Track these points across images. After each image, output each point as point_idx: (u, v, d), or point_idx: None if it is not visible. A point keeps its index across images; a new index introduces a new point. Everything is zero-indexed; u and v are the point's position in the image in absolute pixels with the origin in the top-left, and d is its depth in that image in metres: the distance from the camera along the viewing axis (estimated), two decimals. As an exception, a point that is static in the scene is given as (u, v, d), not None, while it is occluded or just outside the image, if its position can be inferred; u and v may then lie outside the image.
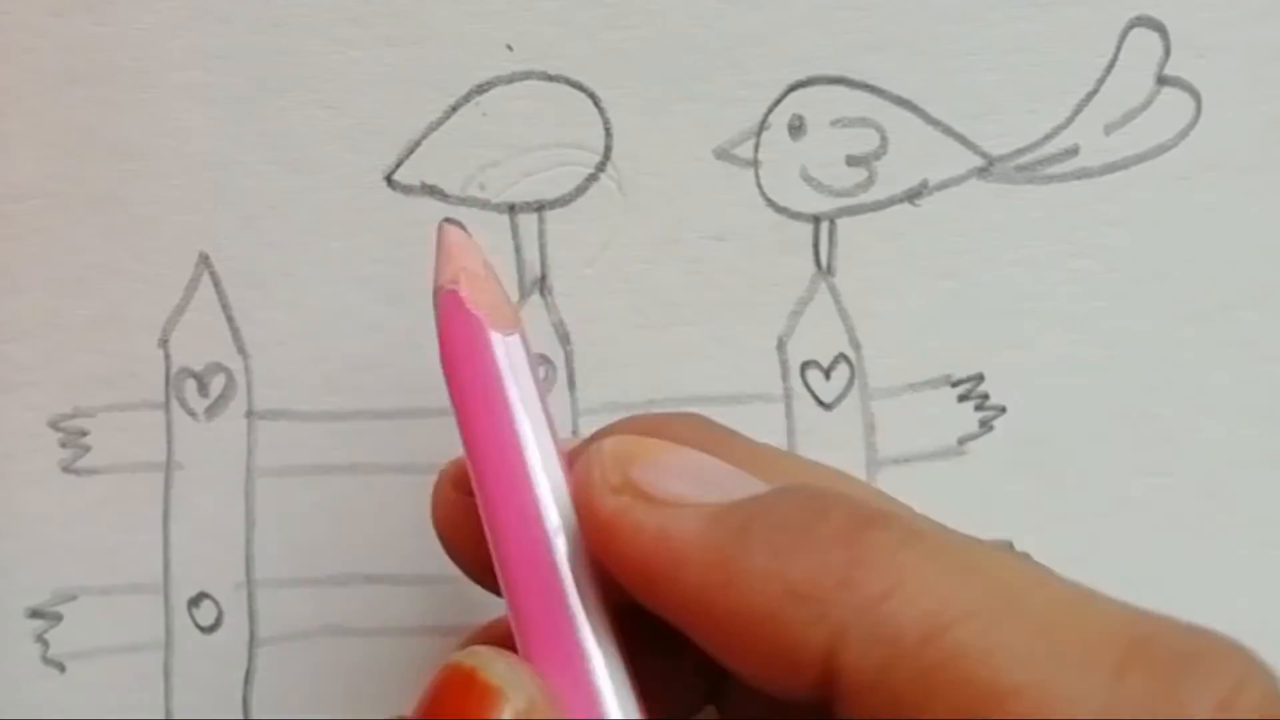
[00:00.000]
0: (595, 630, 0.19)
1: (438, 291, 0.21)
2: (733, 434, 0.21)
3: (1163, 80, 0.27)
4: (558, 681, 0.18)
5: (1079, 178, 0.27)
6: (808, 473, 0.21)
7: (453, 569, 0.26)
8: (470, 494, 0.21)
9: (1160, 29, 0.27)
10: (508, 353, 0.21)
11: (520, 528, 0.19)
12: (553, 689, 0.18)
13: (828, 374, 0.27)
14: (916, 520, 0.17)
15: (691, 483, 0.18)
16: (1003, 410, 0.28)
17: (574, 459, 0.20)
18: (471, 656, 0.18)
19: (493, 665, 0.18)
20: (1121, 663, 0.16)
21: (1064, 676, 0.15)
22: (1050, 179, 0.27)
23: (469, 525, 0.21)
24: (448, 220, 0.24)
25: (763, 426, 0.27)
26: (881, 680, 0.16)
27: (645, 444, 0.19)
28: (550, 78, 0.26)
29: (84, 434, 0.27)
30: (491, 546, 0.20)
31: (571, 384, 0.27)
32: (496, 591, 0.21)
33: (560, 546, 0.19)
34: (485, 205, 0.26)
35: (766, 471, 0.19)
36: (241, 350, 0.27)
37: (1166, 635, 0.16)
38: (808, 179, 0.27)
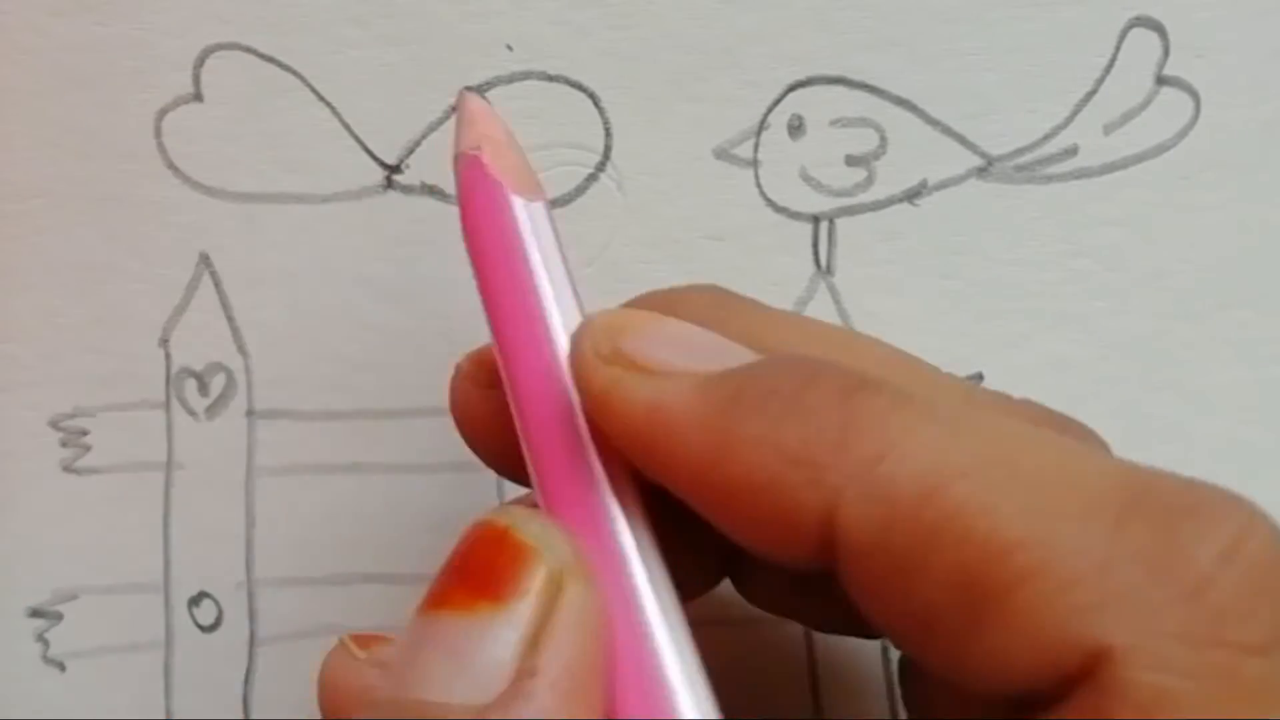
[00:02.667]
0: (619, 492, 0.18)
1: (459, 158, 0.21)
2: (751, 302, 0.21)
3: (1162, 80, 0.27)
4: (584, 544, 0.18)
5: (1078, 178, 0.27)
6: (823, 336, 0.20)
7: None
8: (487, 387, 0.20)
9: (1159, 29, 0.27)
10: (531, 218, 0.20)
11: (543, 391, 0.19)
12: (582, 550, 0.18)
13: (827, 374, 0.27)
14: (909, 385, 0.17)
15: (681, 351, 0.18)
16: (1002, 410, 0.28)
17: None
18: (504, 515, 0.18)
19: (527, 525, 0.18)
20: (1122, 514, 0.15)
21: (1064, 529, 0.15)
22: (1049, 179, 0.27)
23: (487, 417, 0.21)
24: (468, 89, 0.23)
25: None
26: (881, 540, 0.16)
27: (635, 315, 0.19)
28: (550, 78, 0.26)
29: (84, 434, 0.27)
30: (514, 413, 0.19)
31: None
32: (516, 479, 0.21)
33: (581, 410, 0.19)
34: (485, 205, 0.26)
35: (782, 336, 0.19)
36: (241, 350, 0.27)
37: (1167, 487, 0.16)
38: (807, 179, 0.27)
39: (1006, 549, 0.15)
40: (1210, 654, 0.15)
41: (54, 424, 0.27)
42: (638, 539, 0.18)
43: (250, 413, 0.27)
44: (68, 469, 0.27)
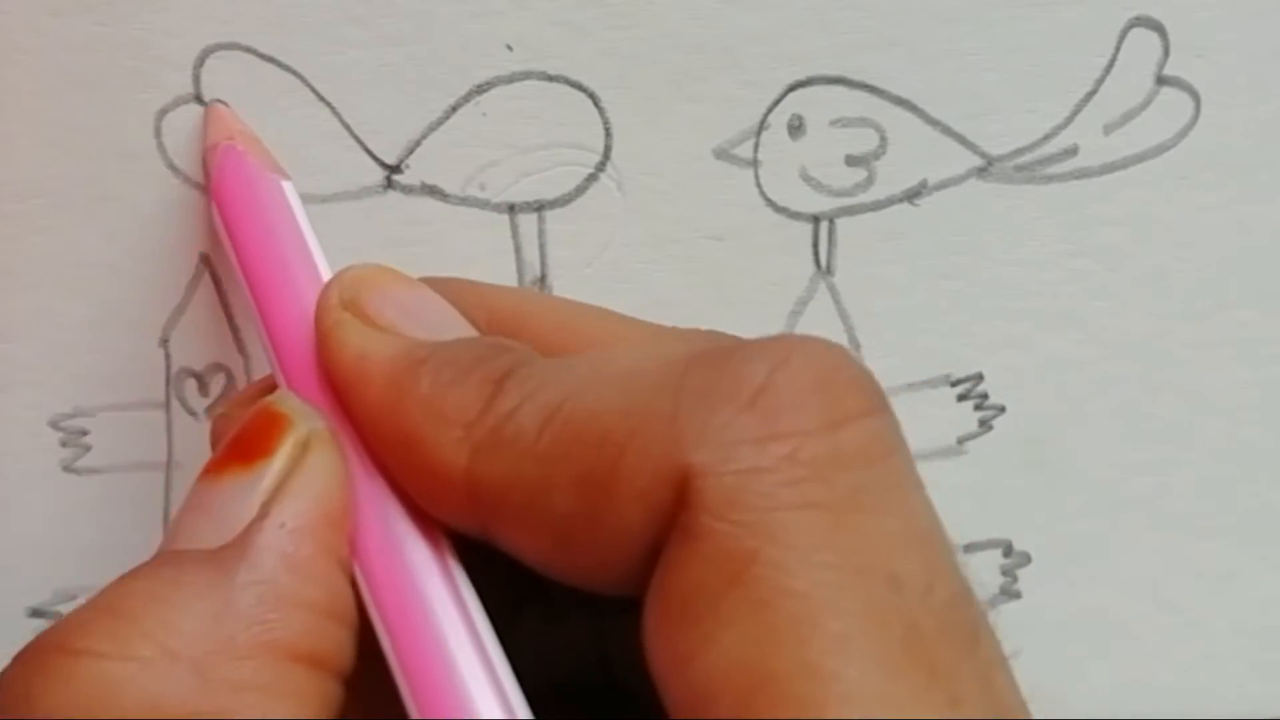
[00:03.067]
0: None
1: (213, 149, 0.24)
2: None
3: (1162, 80, 0.27)
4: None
5: (1078, 177, 0.27)
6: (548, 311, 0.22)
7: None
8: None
9: (1159, 29, 0.27)
10: (286, 193, 0.23)
11: (298, 337, 0.21)
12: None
13: (827, 374, 0.27)
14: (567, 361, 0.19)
15: (406, 317, 0.20)
16: (1002, 410, 0.28)
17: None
18: (272, 399, 0.20)
19: (286, 399, 0.20)
20: (688, 366, 0.17)
21: (645, 396, 0.17)
22: (1049, 179, 0.27)
23: None
24: (216, 101, 0.25)
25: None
26: (513, 479, 0.18)
27: (384, 275, 0.21)
28: (550, 78, 0.26)
29: (84, 434, 0.27)
30: (273, 361, 0.21)
31: (571, 384, 0.27)
32: None
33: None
34: (485, 205, 0.26)
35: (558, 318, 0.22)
36: (242, 350, 0.27)
37: (728, 340, 0.19)
38: (807, 179, 0.27)
39: (605, 432, 0.17)
40: (771, 447, 0.16)
41: (54, 424, 0.27)
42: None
43: (250, 413, 0.27)
44: (68, 469, 0.27)
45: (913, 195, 0.27)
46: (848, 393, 0.17)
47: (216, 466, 0.19)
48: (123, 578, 0.18)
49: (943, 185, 0.27)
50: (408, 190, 0.26)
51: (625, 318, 0.22)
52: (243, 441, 0.19)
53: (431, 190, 0.26)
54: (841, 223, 0.27)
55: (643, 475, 0.17)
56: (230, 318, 0.26)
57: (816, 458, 0.16)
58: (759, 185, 0.27)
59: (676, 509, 0.16)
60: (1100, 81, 0.27)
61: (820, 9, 0.26)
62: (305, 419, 0.19)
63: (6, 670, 0.17)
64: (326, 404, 0.20)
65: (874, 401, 0.17)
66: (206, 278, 0.26)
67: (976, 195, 0.27)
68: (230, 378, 0.27)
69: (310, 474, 0.19)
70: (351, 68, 0.26)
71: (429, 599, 0.18)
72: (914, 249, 0.27)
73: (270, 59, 0.26)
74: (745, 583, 0.16)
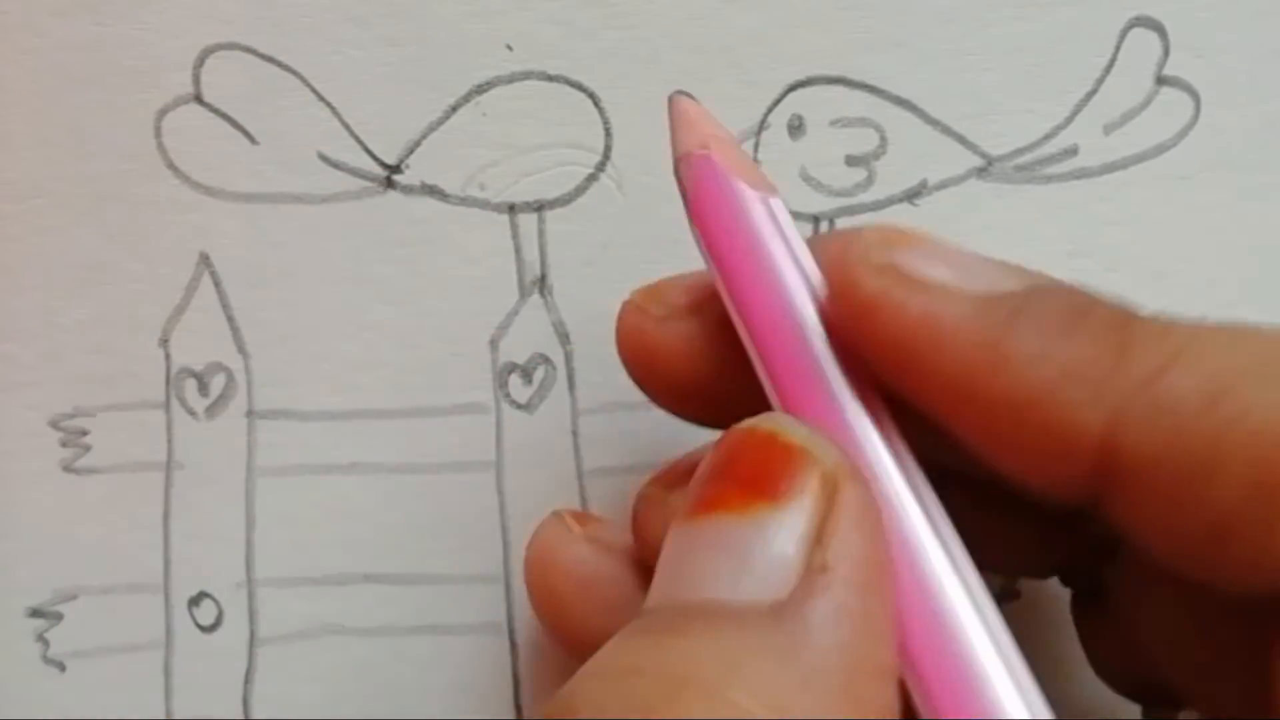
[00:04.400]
0: (870, 409, 0.18)
1: (685, 158, 0.21)
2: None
3: (1162, 80, 0.27)
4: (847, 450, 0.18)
5: (1078, 177, 0.27)
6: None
7: (453, 568, 0.27)
8: (663, 320, 0.21)
9: (1159, 29, 0.27)
10: (773, 213, 0.20)
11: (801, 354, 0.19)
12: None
13: (827, 374, 0.27)
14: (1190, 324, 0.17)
15: (957, 271, 0.18)
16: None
17: (829, 246, 0.19)
18: (767, 421, 0.18)
19: (794, 429, 0.18)
20: None
21: None
22: (1049, 179, 0.27)
23: (661, 348, 0.21)
24: (678, 92, 0.23)
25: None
26: (1166, 453, 0.16)
27: (908, 232, 0.19)
28: (550, 78, 0.26)
29: (84, 433, 0.27)
30: (755, 355, 0.19)
31: (571, 384, 0.27)
32: (683, 414, 0.21)
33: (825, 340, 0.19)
34: (485, 205, 0.26)
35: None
36: (241, 350, 0.27)
37: None
38: (807, 179, 0.27)
39: None
40: None
41: (54, 424, 0.27)
42: (891, 446, 0.18)
43: (250, 413, 0.27)
44: (68, 469, 0.27)
45: (913, 195, 0.27)
46: None
47: (729, 502, 0.17)
48: (676, 634, 0.16)
49: (943, 185, 0.27)
50: (408, 190, 0.26)
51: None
52: (758, 474, 0.17)
53: (431, 190, 0.26)
54: (842, 222, 0.27)
55: None
56: (230, 318, 0.27)
57: None
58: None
59: None
60: (1100, 81, 0.27)
61: (820, 9, 0.26)
62: (823, 450, 0.17)
63: None
64: (863, 392, 0.18)
65: None
66: (206, 278, 0.26)
67: (976, 195, 0.27)
68: (230, 378, 0.27)
69: (853, 517, 0.17)
70: (351, 68, 0.26)
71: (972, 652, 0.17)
72: (914, 249, 0.27)
73: (270, 59, 0.26)
74: None
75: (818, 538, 0.16)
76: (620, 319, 0.22)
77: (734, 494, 0.17)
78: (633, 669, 0.16)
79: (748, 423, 0.18)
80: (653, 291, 0.22)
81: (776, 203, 0.20)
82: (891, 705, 0.16)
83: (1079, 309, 0.17)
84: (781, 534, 0.16)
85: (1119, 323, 0.17)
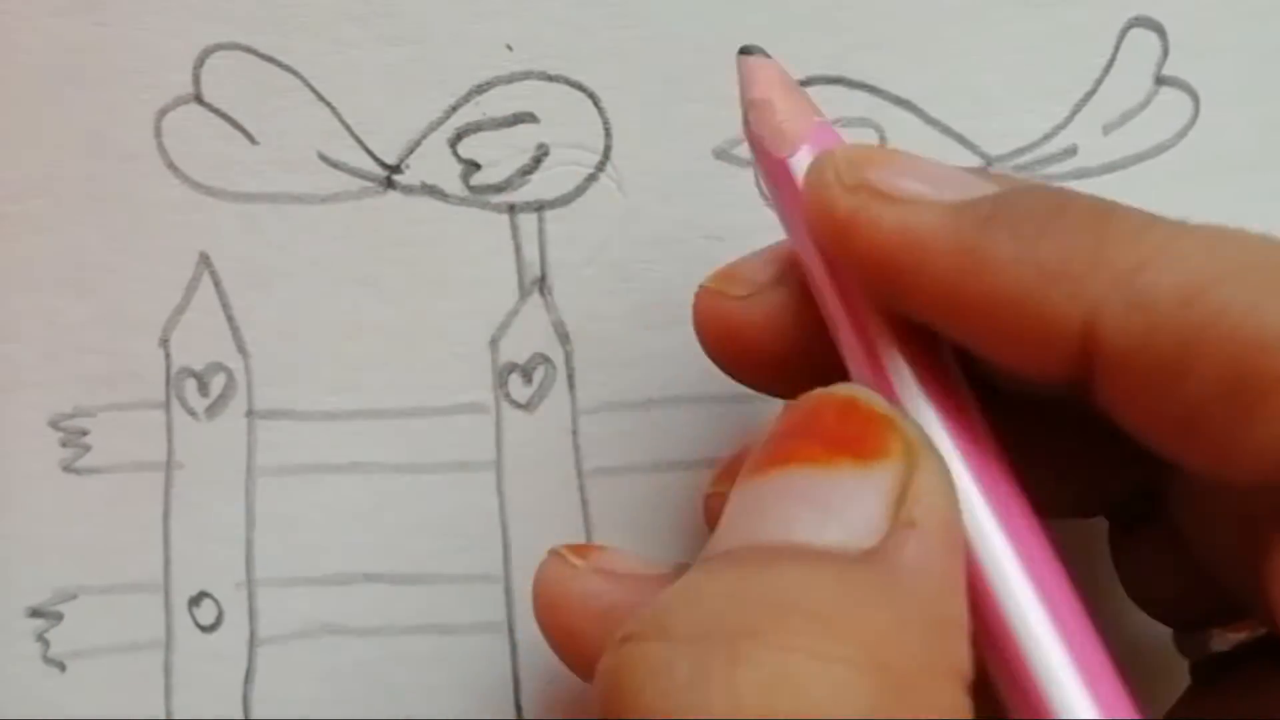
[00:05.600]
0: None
1: (754, 140, 0.21)
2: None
3: (1161, 80, 0.27)
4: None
5: (1077, 177, 0.27)
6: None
7: (453, 568, 0.27)
8: (739, 298, 0.21)
9: (1158, 29, 0.27)
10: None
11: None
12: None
13: (827, 374, 0.27)
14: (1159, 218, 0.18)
15: (928, 182, 0.19)
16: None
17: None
18: (846, 389, 0.18)
19: (874, 397, 0.18)
20: None
21: None
22: (1049, 179, 0.27)
23: (738, 326, 0.22)
24: (745, 48, 0.23)
25: (759, 426, 0.27)
26: (1143, 346, 0.16)
27: (876, 149, 0.20)
28: (550, 78, 0.26)
29: (84, 433, 0.27)
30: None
31: (571, 384, 0.27)
32: (757, 386, 0.22)
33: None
34: (485, 205, 0.26)
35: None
36: (241, 350, 0.27)
37: None
38: (807, 179, 0.27)
39: (1273, 344, 0.16)
40: None
41: (54, 424, 0.27)
42: (962, 436, 0.18)
43: (250, 413, 0.27)
44: (68, 469, 0.27)
45: (912, 195, 0.27)
46: None
47: (812, 455, 0.17)
48: (775, 572, 0.16)
49: (942, 185, 0.27)
50: (408, 190, 0.26)
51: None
52: (847, 436, 0.17)
53: (431, 190, 0.26)
54: (841, 223, 0.27)
55: None
56: (230, 318, 0.27)
57: None
58: (759, 185, 0.27)
59: None
60: (1099, 82, 0.27)
61: (820, 9, 0.26)
62: (907, 421, 0.18)
63: (672, 651, 0.16)
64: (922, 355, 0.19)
65: None
66: (206, 278, 0.26)
67: (976, 195, 0.27)
68: (230, 378, 0.27)
69: (935, 479, 0.17)
70: (351, 68, 0.26)
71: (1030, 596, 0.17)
72: (914, 249, 0.27)
73: (270, 59, 0.26)
74: None
75: (902, 499, 0.17)
76: (697, 306, 0.22)
77: (815, 449, 0.17)
78: (729, 594, 0.16)
79: (822, 390, 0.18)
80: (729, 274, 0.22)
81: (803, 155, 0.20)
82: (967, 661, 0.16)
83: (1055, 208, 0.18)
84: (867, 488, 0.17)
85: (1096, 218, 0.17)
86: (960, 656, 0.16)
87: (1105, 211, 0.18)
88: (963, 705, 0.16)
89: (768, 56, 0.22)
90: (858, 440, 0.17)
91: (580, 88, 0.26)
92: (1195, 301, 0.16)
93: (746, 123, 0.22)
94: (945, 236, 0.18)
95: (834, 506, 0.17)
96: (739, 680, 0.15)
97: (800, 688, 0.15)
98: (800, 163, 0.20)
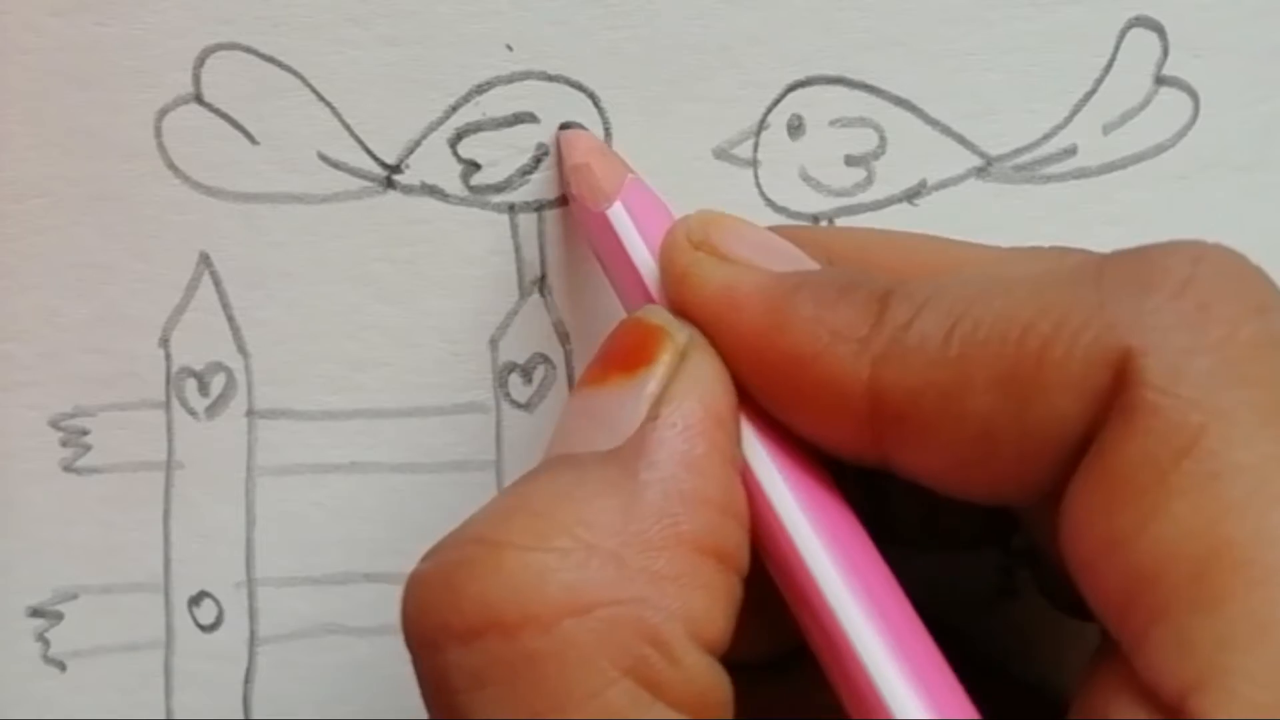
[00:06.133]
0: None
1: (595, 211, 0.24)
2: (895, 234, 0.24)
3: (1161, 80, 0.27)
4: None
5: (1077, 177, 0.27)
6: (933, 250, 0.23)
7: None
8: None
9: (1158, 29, 0.27)
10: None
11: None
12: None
13: (827, 373, 0.27)
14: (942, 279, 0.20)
15: (760, 253, 0.21)
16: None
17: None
18: (640, 310, 0.21)
19: (655, 312, 0.21)
20: (1100, 268, 0.18)
21: (1065, 292, 0.18)
22: (1048, 179, 0.27)
23: None
24: (564, 126, 0.26)
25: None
26: (923, 386, 0.18)
27: (728, 217, 0.22)
28: (550, 78, 0.26)
29: (85, 433, 0.27)
30: None
31: (571, 384, 0.27)
32: None
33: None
34: (485, 205, 0.26)
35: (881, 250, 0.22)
36: (242, 350, 0.27)
37: (1126, 251, 0.19)
38: (806, 179, 0.27)
39: (1026, 328, 0.18)
40: (1209, 329, 0.17)
41: (54, 424, 0.27)
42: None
43: (250, 413, 0.27)
44: (68, 469, 0.27)
45: (912, 195, 0.27)
46: (1264, 284, 0.18)
47: (596, 376, 0.20)
48: (525, 479, 0.19)
49: (942, 185, 0.27)
50: (408, 190, 0.26)
51: (966, 243, 0.23)
52: (621, 352, 0.20)
53: (431, 190, 0.26)
54: (841, 222, 0.27)
55: (1075, 362, 0.17)
56: (230, 318, 0.27)
57: (1253, 340, 0.17)
58: (759, 185, 0.27)
59: (1114, 391, 0.17)
60: (1099, 82, 0.27)
61: (820, 9, 0.26)
62: (679, 329, 0.20)
63: (424, 567, 0.18)
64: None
65: None
66: (207, 278, 0.26)
67: (976, 195, 0.27)
68: (230, 378, 0.27)
69: (695, 376, 0.19)
70: (351, 68, 0.26)
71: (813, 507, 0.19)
72: (913, 249, 0.27)
73: (270, 59, 0.26)
74: (1195, 455, 0.16)
75: (661, 397, 0.19)
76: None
77: (598, 369, 0.20)
78: (497, 506, 0.19)
79: (631, 316, 0.21)
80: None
81: (618, 208, 0.24)
82: (716, 533, 0.18)
83: (850, 283, 0.20)
84: (629, 395, 0.19)
85: (881, 293, 0.19)
86: (700, 527, 0.18)
87: (892, 287, 0.19)
88: (705, 568, 0.18)
89: (585, 129, 0.26)
90: (634, 352, 0.20)
91: (580, 88, 0.26)
92: (957, 327, 0.18)
93: (567, 185, 0.25)
94: (758, 298, 0.20)
95: (599, 416, 0.19)
96: (463, 580, 0.17)
97: (508, 578, 0.17)
98: (616, 215, 0.23)
